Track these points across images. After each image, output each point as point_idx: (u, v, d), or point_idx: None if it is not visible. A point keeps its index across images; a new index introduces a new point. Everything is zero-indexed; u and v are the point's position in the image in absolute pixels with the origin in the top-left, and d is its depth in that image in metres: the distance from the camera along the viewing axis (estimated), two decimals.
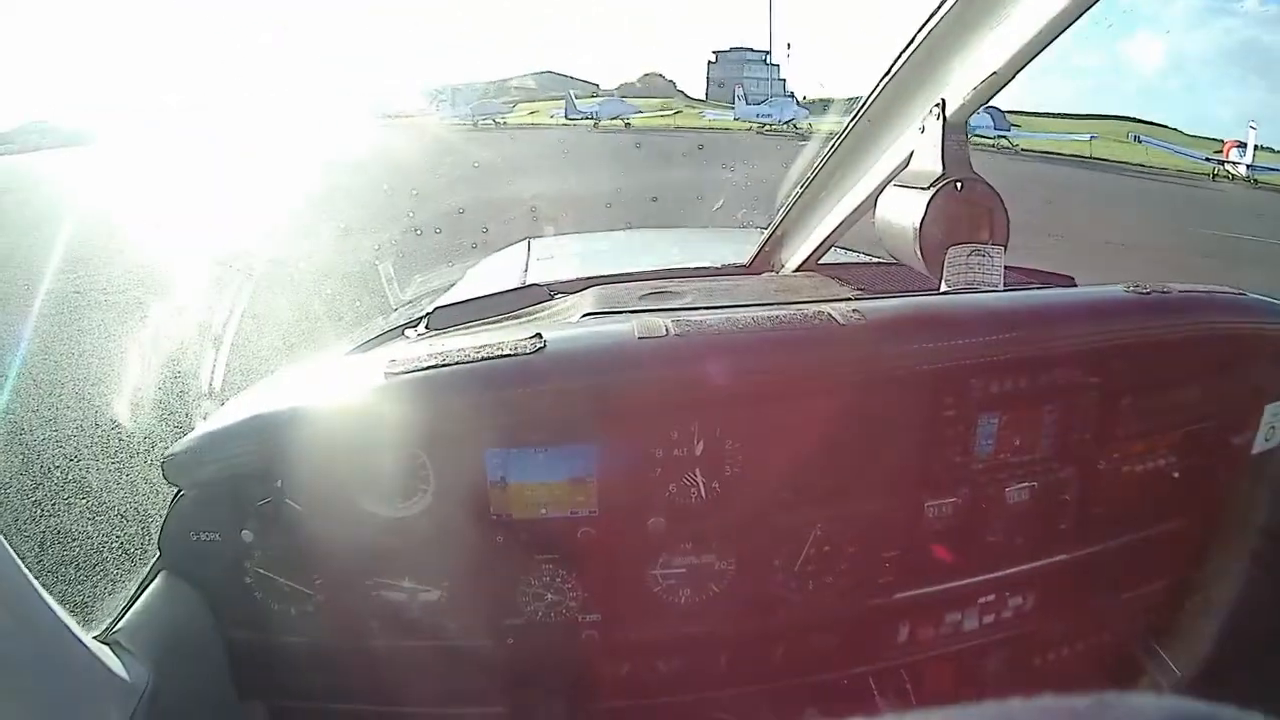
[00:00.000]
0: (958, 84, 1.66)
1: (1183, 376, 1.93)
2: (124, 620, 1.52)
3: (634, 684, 1.79)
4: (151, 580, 1.64)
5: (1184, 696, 0.39)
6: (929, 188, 1.56)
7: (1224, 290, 1.96)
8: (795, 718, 1.91)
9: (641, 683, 1.78)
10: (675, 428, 1.61)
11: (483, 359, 1.56)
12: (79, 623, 1.32)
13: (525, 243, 3.66)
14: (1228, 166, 36.87)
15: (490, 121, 51.41)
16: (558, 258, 3.34)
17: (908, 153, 1.69)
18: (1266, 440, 2.07)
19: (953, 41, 1.66)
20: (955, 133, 1.59)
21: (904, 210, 1.60)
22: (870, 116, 1.85)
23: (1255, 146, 37.17)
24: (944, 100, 1.66)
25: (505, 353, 1.56)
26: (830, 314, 1.65)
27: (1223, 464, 2.05)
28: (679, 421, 1.61)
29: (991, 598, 1.92)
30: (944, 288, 1.61)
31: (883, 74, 1.80)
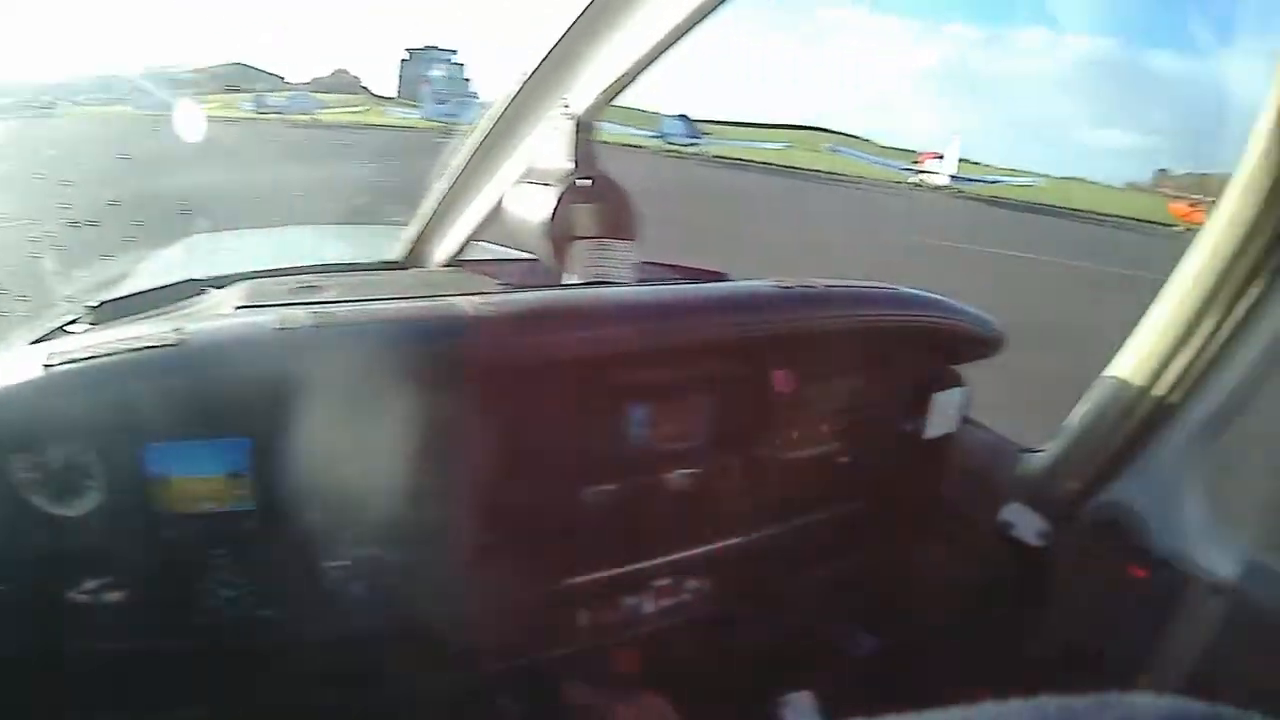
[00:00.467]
0: (587, 84, 1.76)
1: (840, 368, 2.09)
2: None
3: (315, 680, 1.79)
4: None
5: (1182, 697, 0.42)
6: (557, 184, 1.64)
7: (876, 286, 2.13)
8: (490, 706, 1.96)
9: (323, 678, 1.79)
10: (322, 419, 1.64)
11: (129, 350, 1.57)
12: None
13: (193, 239, 3.61)
14: (924, 176, 39.34)
15: None
16: (221, 252, 3.38)
17: (540, 150, 1.77)
18: (939, 426, 2.25)
19: (583, 44, 1.77)
20: (585, 131, 1.68)
21: (534, 205, 1.68)
22: (508, 114, 1.95)
23: (959, 159, 39.83)
24: (573, 100, 1.75)
25: (149, 344, 1.57)
26: (461, 306, 1.73)
27: (895, 449, 2.22)
28: (325, 413, 1.64)
29: (667, 581, 2.01)
30: (569, 280, 1.68)
31: (520, 73, 1.90)
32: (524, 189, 1.74)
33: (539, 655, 1.96)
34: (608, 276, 1.71)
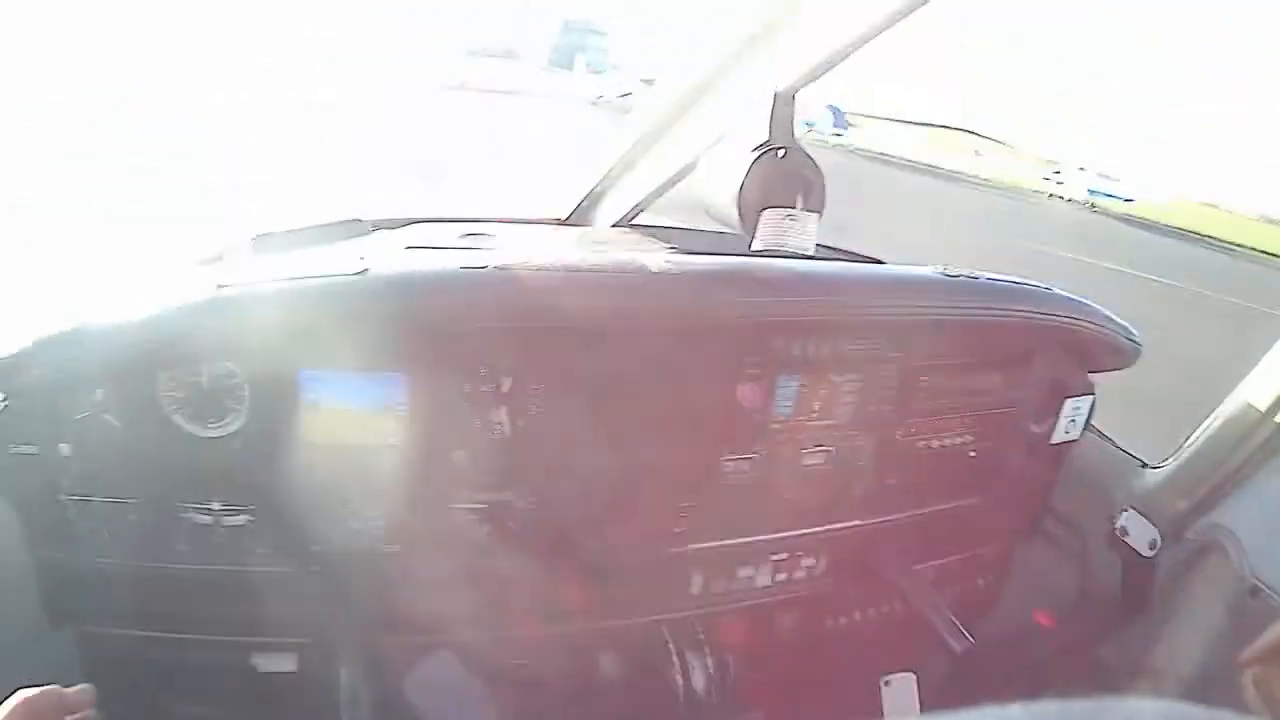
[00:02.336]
0: (790, 56, 1.71)
1: (983, 361, 2.05)
2: None
3: (431, 620, 1.82)
4: None
5: (1182, 700, 0.40)
6: (752, 152, 1.61)
7: (1030, 283, 2.08)
8: (590, 663, 1.98)
9: (439, 619, 1.81)
10: (485, 363, 1.66)
11: (307, 278, 1.57)
12: None
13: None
14: (1063, 187, 38.49)
15: None
16: (379, 205, 3.32)
17: (735, 118, 1.74)
18: (1066, 432, 2.20)
19: (790, 15, 1.70)
20: (784, 104, 1.65)
21: (726, 172, 1.65)
22: (701, 81, 1.91)
23: (1098, 174, 39.02)
24: (776, 72, 1.71)
25: (330, 272, 1.57)
26: (645, 264, 1.71)
27: (1021, 449, 2.17)
28: (489, 357, 1.65)
29: (784, 556, 2.00)
30: (756, 247, 1.66)
31: (716, 40, 1.84)
32: (717, 154, 1.71)
33: (648, 616, 1.98)
34: (792, 247, 1.67)
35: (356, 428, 1.65)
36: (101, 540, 1.67)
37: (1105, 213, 36.82)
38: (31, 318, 1.56)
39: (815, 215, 1.66)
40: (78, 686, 1.26)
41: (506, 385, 1.67)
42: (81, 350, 1.54)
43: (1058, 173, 39.55)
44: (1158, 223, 36.31)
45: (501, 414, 1.69)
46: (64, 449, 1.60)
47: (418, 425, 1.66)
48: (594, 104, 36.74)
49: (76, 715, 1.23)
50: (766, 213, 1.61)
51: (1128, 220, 35.38)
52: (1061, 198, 38.12)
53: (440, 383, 1.65)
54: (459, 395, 1.66)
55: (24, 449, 1.59)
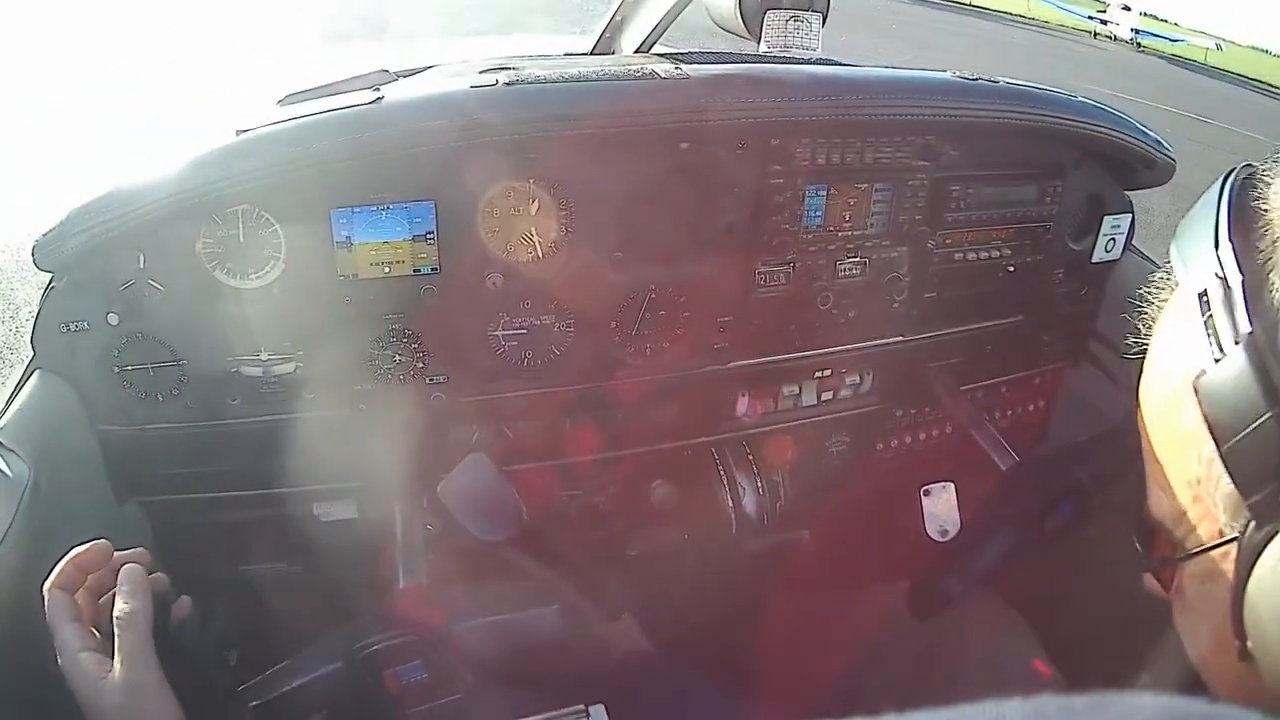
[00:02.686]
0: None
1: (1014, 171, 2.01)
2: (3, 419, 1.56)
3: (482, 451, 1.83)
4: (27, 379, 1.67)
5: (1181, 695, 0.41)
6: None
7: (1054, 89, 2.02)
8: (643, 487, 2.02)
9: (489, 449, 1.84)
10: (510, 183, 1.67)
11: (324, 112, 1.59)
12: None
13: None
14: (1110, 26, 37.31)
15: None
16: (408, 58, 3.30)
17: None
18: (1107, 251, 2.18)
19: None
20: None
21: None
22: None
23: (1141, 12, 37.61)
24: None
25: (345, 105, 1.60)
26: (655, 71, 1.71)
27: (1060, 266, 2.15)
28: (513, 176, 1.66)
29: (828, 373, 2.02)
30: (762, 49, 1.66)
31: None
32: None
33: (696, 439, 2.01)
34: (798, 48, 1.67)
35: (390, 260, 1.68)
36: (158, 407, 1.74)
37: (1152, 53, 35.74)
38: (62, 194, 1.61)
39: (819, 15, 1.65)
40: (131, 550, 1.30)
41: (534, 206, 1.69)
42: (116, 212, 1.58)
43: (1103, 11, 38.31)
44: (1205, 65, 35.18)
45: (532, 234, 1.70)
46: (112, 319, 1.65)
47: (451, 251, 1.69)
48: None
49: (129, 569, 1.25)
50: (770, 15, 1.61)
51: (1174, 61, 34.36)
52: (1109, 37, 37.02)
53: (467, 207, 1.67)
54: (488, 218, 1.68)
55: (75, 324, 1.65)
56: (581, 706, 1.65)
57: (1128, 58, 31.94)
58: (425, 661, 1.66)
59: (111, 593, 1.22)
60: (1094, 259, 2.17)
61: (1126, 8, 37.83)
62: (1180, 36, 38.41)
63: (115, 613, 1.19)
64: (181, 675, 1.21)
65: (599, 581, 1.80)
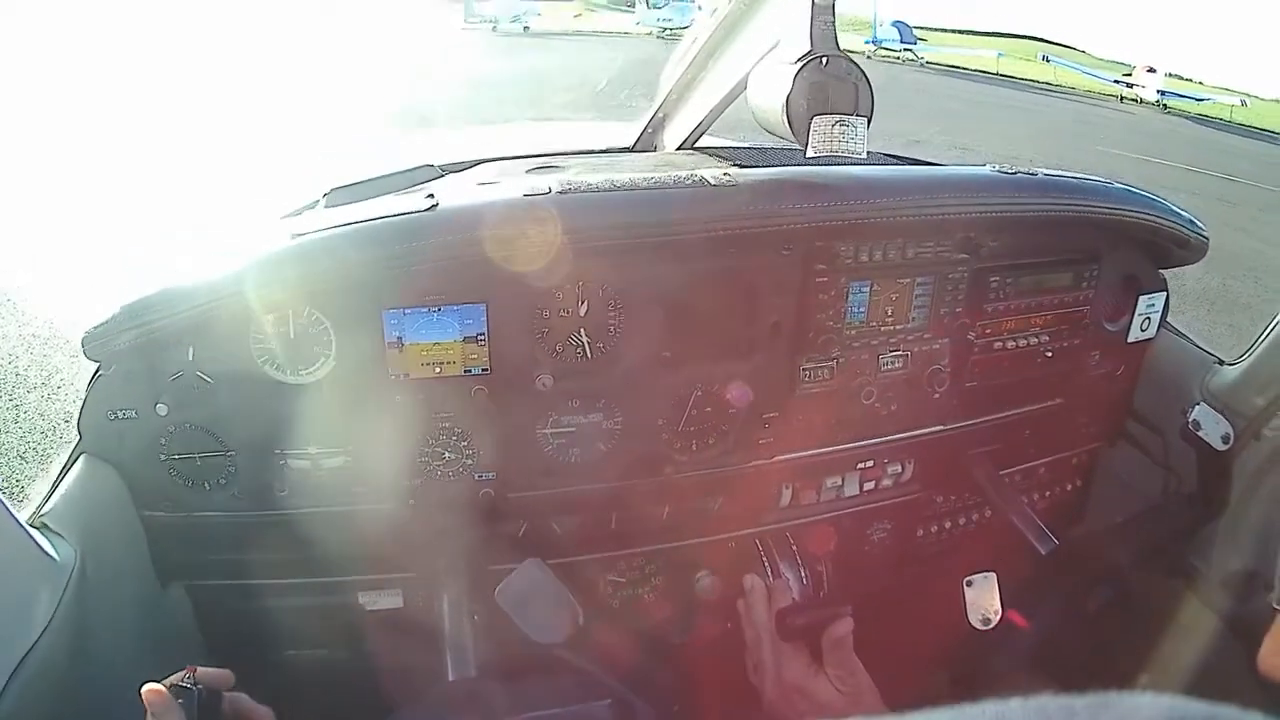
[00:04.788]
0: None
1: (1052, 259, 2.03)
2: (50, 502, 1.57)
3: (530, 545, 1.87)
4: (73, 463, 1.68)
5: (1183, 696, 0.41)
6: (795, 63, 1.63)
7: (1091, 178, 2.04)
8: (687, 578, 2.02)
9: (537, 543, 1.87)
10: (560, 287, 1.69)
11: (379, 218, 1.62)
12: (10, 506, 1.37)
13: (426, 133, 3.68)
14: (1136, 90, 37.37)
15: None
16: (450, 146, 3.34)
17: (778, 33, 1.76)
18: (1142, 330, 2.19)
19: None
20: (823, 13, 1.66)
21: (773, 85, 1.66)
22: (738, 6, 1.92)
23: (1166, 73, 37.76)
24: None
25: (400, 211, 1.62)
26: (705, 178, 1.73)
27: (1098, 349, 2.16)
28: (564, 280, 1.69)
29: (870, 464, 2.02)
30: (809, 155, 1.68)
31: None
32: (764, 69, 1.73)
33: (740, 531, 2.01)
34: (845, 152, 1.69)
35: (441, 361, 1.70)
36: (201, 495, 1.76)
37: (1178, 113, 35.79)
38: (119, 286, 1.64)
39: (864, 120, 1.67)
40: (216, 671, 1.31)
41: (584, 308, 1.71)
42: (168, 310, 1.60)
43: (1129, 74, 38.46)
44: (1231, 122, 35.18)
45: (581, 335, 1.73)
46: (161, 409, 1.67)
47: (501, 353, 1.71)
48: (659, 36, 36.29)
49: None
50: (816, 120, 1.63)
51: (1200, 120, 34.38)
52: (1135, 100, 37.09)
53: (518, 309, 1.70)
54: (539, 320, 1.71)
55: (123, 413, 1.68)
56: None
57: (1154, 119, 31.98)
58: None
59: None
60: (1130, 339, 2.18)
61: (1152, 70, 38.01)
62: (1205, 95, 38.49)
63: None
64: None
65: (648, 674, 1.80)
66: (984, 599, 1.94)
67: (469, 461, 1.79)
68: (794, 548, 2.03)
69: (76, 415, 1.70)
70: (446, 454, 1.78)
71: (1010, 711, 0.42)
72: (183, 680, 1.26)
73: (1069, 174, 2.03)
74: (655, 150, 2.47)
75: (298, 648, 1.98)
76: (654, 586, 2.03)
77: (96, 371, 1.68)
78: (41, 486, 1.63)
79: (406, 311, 1.67)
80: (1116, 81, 38.60)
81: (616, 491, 1.87)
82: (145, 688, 1.19)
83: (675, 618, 2.03)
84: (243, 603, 1.89)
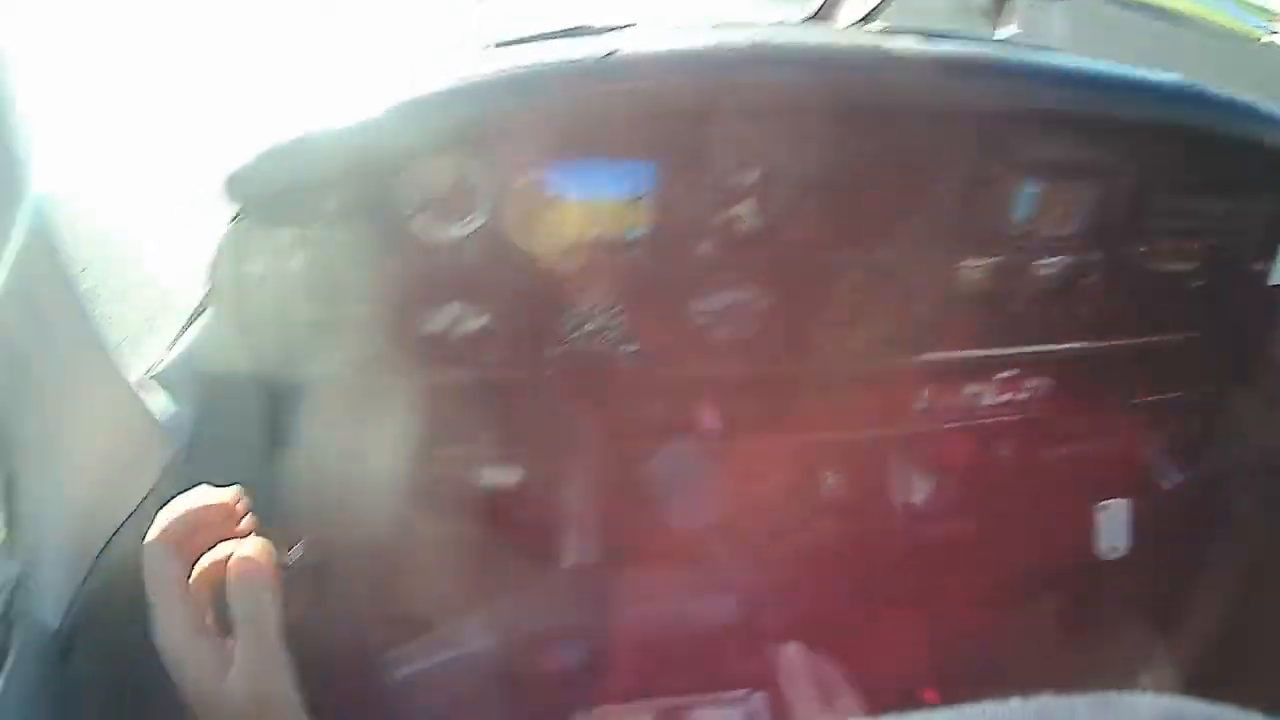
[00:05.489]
0: None
1: (1216, 184, 1.93)
2: (169, 357, 1.53)
3: (666, 426, 1.82)
4: (194, 319, 1.63)
5: (1183, 696, 0.41)
6: None
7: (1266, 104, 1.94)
8: (813, 476, 1.98)
9: (674, 425, 1.82)
10: (732, 151, 1.61)
11: (552, 63, 1.54)
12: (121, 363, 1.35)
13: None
14: (1276, 37, 35.76)
15: None
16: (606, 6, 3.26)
17: None
18: None
19: None
20: None
21: None
22: None
23: None
24: None
25: (578, 56, 1.54)
26: (890, 49, 1.64)
27: (1243, 285, 2.08)
28: (737, 145, 1.60)
29: (1011, 374, 1.96)
30: (999, 35, 1.60)
31: None
32: None
33: (873, 430, 1.97)
34: (1037, 36, 1.61)
35: (599, 220, 1.63)
36: (331, 355, 1.68)
37: None
38: (259, 127, 1.55)
39: (1062, 4, 1.59)
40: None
41: (754, 176, 1.63)
42: (313, 157, 1.53)
43: (1274, 19, 36.80)
44: None
45: (747, 206, 1.65)
46: (295, 263, 1.59)
47: (663, 216, 1.63)
48: None
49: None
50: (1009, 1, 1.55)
51: None
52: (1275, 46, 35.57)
53: (686, 172, 1.61)
54: (704, 185, 1.63)
55: (254, 266, 1.59)
56: (744, 691, 1.63)
57: None
58: (589, 645, 1.65)
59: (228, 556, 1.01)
60: (1272, 280, 2.08)
61: None
62: None
63: (239, 603, 0.98)
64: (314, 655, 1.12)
65: (770, 573, 1.77)
66: (1114, 526, 1.91)
67: (614, 332, 1.73)
68: (925, 455, 2.00)
69: (206, 266, 1.62)
70: (592, 321, 1.72)
71: (1011, 711, 0.42)
72: (291, 551, 1.20)
73: (1248, 96, 1.92)
74: (836, 20, 2.37)
75: (409, 524, 1.88)
76: (778, 483, 1.97)
77: (234, 218, 1.60)
78: (156, 344, 1.58)
79: (569, 165, 1.59)
80: (1260, 26, 36.99)
81: (760, 377, 1.81)
82: (236, 557, 1.00)
83: (798, 516, 1.99)
84: (354, 471, 1.80)
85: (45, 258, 1.18)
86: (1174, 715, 0.38)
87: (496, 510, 1.87)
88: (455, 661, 1.67)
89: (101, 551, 1.29)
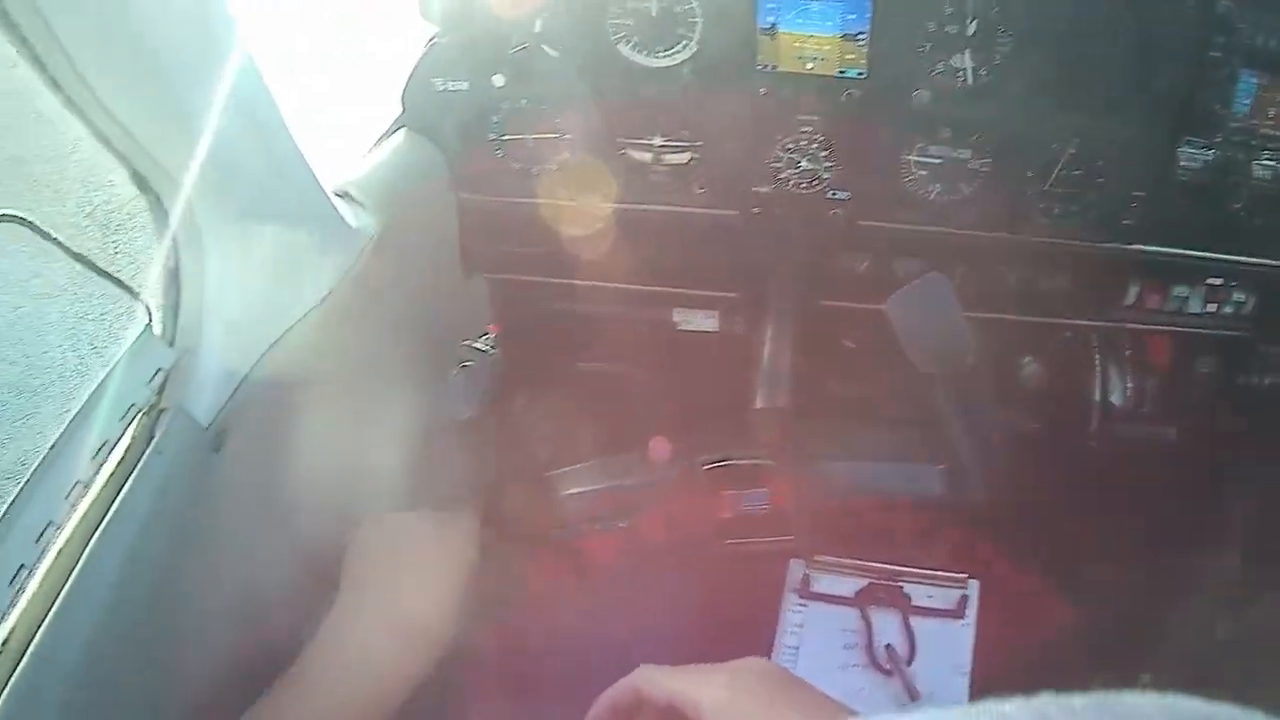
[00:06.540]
0: None
1: None
2: (361, 173, 1.52)
3: (867, 282, 1.77)
4: (391, 135, 1.64)
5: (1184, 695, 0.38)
6: None
7: None
8: (1013, 360, 1.90)
9: (875, 282, 1.75)
10: None
11: None
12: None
13: None
14: None
15: None
16: None
17: None
18: None
19: None
20: None
21: None
22: None
23: None
24: None
25: None
26: None
27: None
28: None
29: (1220, 282, 1.85)
30: None
31: None
32: None
33: (1080, 319, 1.88)
34: None
35: (815, 56, 1.59)
36: (528, 180, 1.68)
37: None
38: None
39: None
40: None
41: (972, 27, 1.58)
42: None
43: None
44: None
45: (965, 59, 1.60)
46: (497, 82, 1.61)
47: (881, 57, 1.59)
48: None
49: None
50: None
51: None
52: None
53: (907, 12, 1.57)
54: (924, 31, 1.58)
55: (455, 84, 1.62)
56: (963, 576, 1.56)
57: None
58: (771, 491, 1.58)
59: None
60: None
61: None
62: None
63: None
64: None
65: (969, 450, 1.68)
66: None
67: (825, 176, 1.68)
68: (1127, 353, 1.89)
69: (402, 85, 1.66)
70: (803, 162, 1.67)
71: (1011, 711, 0.39)
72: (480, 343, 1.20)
73: None
74: None
75: (597, 359, 1.90)
76: (975, 367, 1.91)
77: (433, 38, 1.63)
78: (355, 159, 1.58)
79: None
80: None
81: (969, 242, 1.74)
82: None
83: (995, 401, 1.89)
84: (546, 303, 1.82)
85: (256, 77, 1.19)
86: (1173, 714, 0.36)
87: (691, 353, 1.84)
88: (621, 488, 1.61)
89: (267, 351, 1.26)
